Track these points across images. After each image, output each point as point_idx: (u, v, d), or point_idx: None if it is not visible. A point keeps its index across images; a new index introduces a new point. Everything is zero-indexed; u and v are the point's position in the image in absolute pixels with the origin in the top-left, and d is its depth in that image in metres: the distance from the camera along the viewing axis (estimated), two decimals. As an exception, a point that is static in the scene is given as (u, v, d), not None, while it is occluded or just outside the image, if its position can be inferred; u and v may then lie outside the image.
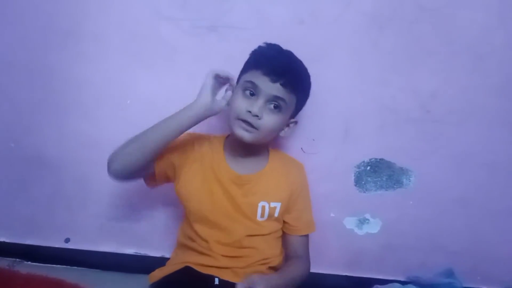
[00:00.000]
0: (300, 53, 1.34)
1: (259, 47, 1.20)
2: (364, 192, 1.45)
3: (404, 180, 1.43)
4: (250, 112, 1.12)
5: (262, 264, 1.23)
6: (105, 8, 1.38)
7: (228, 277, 1.18)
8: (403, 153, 1.41)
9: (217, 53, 1.35)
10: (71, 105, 1.46)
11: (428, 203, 1.44)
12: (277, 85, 1.12)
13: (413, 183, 1.43)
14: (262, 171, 1.26)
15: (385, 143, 1.41)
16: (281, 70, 1.13)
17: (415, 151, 1.40)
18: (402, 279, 1.49)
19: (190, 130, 1.20)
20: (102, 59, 1.41)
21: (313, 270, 1.49)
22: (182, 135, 1.21)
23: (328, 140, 1.42)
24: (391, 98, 1.36)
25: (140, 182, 1.45)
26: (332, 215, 1.47)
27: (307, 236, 1.34)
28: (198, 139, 1.30)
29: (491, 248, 1.45)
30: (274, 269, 1.27)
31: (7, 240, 1.61)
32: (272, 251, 1.27)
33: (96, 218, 1.56)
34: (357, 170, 1.44)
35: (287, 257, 1.31)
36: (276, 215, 1.25)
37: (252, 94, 1.15)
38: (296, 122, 1.27)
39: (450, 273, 1.42)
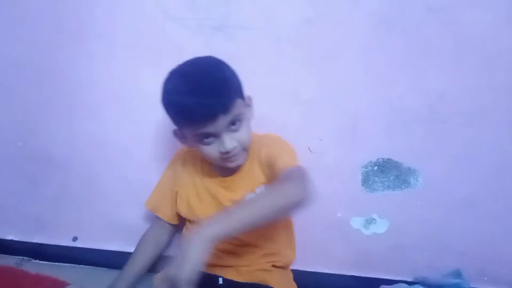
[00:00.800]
0: (307, 53, 1.35)
1: (170, 97, 1.11)
2: (371, 192, 1.44)
3: (412, 180, 1.42)
4: (226, 151, 1.10)
5: (266, 262, 1.23)
6: (112, 8, 1.38)
7: (232, 276, 1.18)
8: (410, 153, 1.40)
9: (224, 53, 1.34)
10: (78, 104, 1.47)
11: (436, 203, 1.43)
12: (220, 118, 1.06)
13: (420, 183, 1.42)
14: (243, 165, 1.24)
15: (392, 143, 1.40)
16: (211, 108, 1.04)
17: (422, 151, 1.40)
18: (409, 279, 1.48)
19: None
20: (109, 59, 1.42)
21: (319, 269, 1.51)
22: (165, 172, 1.39)
23: (335, 140, 1.41)
24: (398, 98, 1.35)
25: (148, 182, 1.46)
26: (339, 215, 1.46)
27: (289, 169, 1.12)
28: (179, 162, 1.36)
29: (499, 249, 1.44)
30: (282, 268, 1.27)
31: (15, 238, 1.63)
32: (276, 246, 1.26)
33: (103, 217, 1.57)
34: (364, 170, 1.43)
35: None
36: None
37: (208, 137, 1.10)
38: (250, 99, 1.22)
39: (457, 274, 1.41)
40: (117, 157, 1.50)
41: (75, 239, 1.60)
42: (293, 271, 1.37)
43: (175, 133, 1.21)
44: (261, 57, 1.35)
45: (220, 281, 1.17)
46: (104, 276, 1.49)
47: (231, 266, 1.20)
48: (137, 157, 1.49)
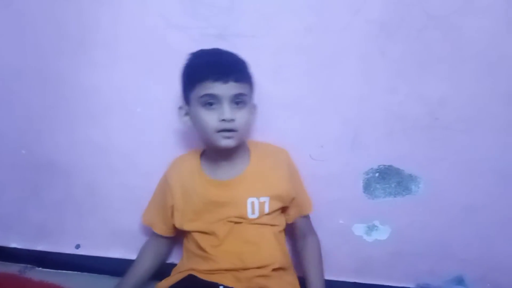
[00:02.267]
0: (308, 61, 1.36)
1: (191, 59, 1.24)
2: (373, 199, 1.45)
3: (413, 187, 1.43)
4: (224, 120, 1.14)
5: (263, 267, 1.23)
6: (115, 17, 1.40)
7: (230, 283, 1.18)
8: (411, 160, 1.41)
9: (187, 59, 1.35)
10: (81, 112, 1.48)
11: (438, 210, 1.43)
12: (230, 83, 1.14)
13: (422, 190, 1.42)
14: (246, 169, 1.27)
15: (393, 150, 1.41)
16: (226, 69, 1.16)
17: (424, 158, 1.40)
18: (411, 286, 1.48)
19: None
20: (112, 67, 1.43)
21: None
22: (158, 186, 1.39)
23: (336, 147, 1.41)
24: (399, 105, 1.36)
25: (150, 190, 1.47)
26: (340, 222, 1.47)
27: (307, 216, 1.40)
28: (171, 174, 1.35)
29: (501, 256, 1.44)
30: (281, 269, 1.27)
31: (19, 246, 1.63)
32: (272, 252, 1.26)
33: (106, 224, 1.58)
34: (366, 176, 1.44)
35: (297, 239, 1.38)
36: (266, 210, 1.25)
37: (211, 104, 1.16)
38: (255, 106, 1.30)
39: (459, 281, 1.41)
40: (120, 164, 1.51)
41: (78, 246, 1.60)
42: (295, 278, 1.37)
43: (180, 109, 1.28)
44: (263, 65, 1.35)
45: None
46: (107, 283, 1.50)
47: (229, 271, 1.21)
48: (140, 165, 1.50)
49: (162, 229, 1.40)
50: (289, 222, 1.36)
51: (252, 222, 1.25)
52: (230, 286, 1.18)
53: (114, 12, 1.40)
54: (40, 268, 1.60)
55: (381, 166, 1.42)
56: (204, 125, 1.17)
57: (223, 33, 1.36)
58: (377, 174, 1.43)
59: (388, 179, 1.43)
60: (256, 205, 1.25)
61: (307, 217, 1.39)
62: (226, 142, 1.18)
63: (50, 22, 1.44)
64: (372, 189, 1.44)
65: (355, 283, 1.52)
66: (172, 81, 1.40)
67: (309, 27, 1.34)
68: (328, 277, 1.50)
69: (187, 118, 1.26)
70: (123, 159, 1.50)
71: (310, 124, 1.40)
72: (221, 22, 1.36)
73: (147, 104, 1.45)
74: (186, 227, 1.29)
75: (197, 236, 1.27)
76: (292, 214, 1.35)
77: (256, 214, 1.25)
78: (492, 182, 1.39)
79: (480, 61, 1.31)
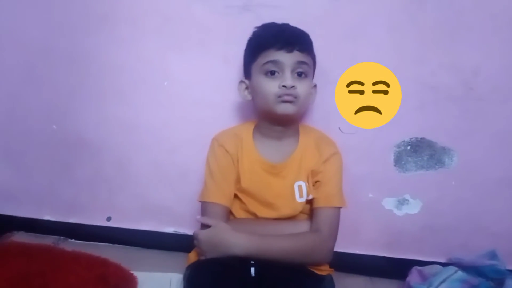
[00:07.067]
0: (335, 31, 1.33)
1: (256, 31, 1.24)
2: (404, 172, 1.42)
3: (446, 159, 1.39)
4: (285, 86, 1.14)
5: None
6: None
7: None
8: (445, 132, 1.38)
9: (251, 33, 1.33)
10: (108, 88, 1.50)
11: (471, 183, 1.40)
12: (295, 52, 1.15)
13: (455, 162, 1.39)
14: (294, 154, 1.26)
15: (426, 122, 1.38)
16: (291, 38, 1.17)
17: (457, 130, 1.37)
18: (442, 260, 1.46)
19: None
20: (137, 43, 1.42)
21: (351, 250, 1.51)
22: (222, 156, 1.27)
23: (366, 120, 1.39)
24: (431, 76, 1.32)
25: (178, 164, 1.47)
26: (370, 195, 1.45)
27: (327, 209, 1.23)
28: (229, 144, 1.28)
29: (536, 230, 1.41)
30: None
31: (52, 219, 1.68)
32: None
33: (136, 198, 1.60)
34: (397, 149, 1.41)
35: None
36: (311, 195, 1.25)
37: (273, 73, 1.16)
38: (315, 86, 1.28)
39: (493, 255, 1.38)
40: (148, 140, 1.52)
41: (109, 219, 1.63)
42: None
43: (240, 83, 1.27)
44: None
45: (252, 273, 1.15)
46: (138, 255, 1.53)
47: None
48: (167, 140, 1.51)
49: (227, 201, 1.28)
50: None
51: (300, 205, 1.25)
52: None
53: (138, -14, 1.39)
54: (72, 240, 1.64)
55: (413, 139, 1.39)
56: (265, 92, 1.17)
57: (248, 4, 1.33)
58: (408, 147, 1.40)
59: (420, 152, 1.40)
60: (303, 188, 1.24)
61: (325, 210, 1.23)
62: (285, 107, 1.16)
63: (76, 0, 1.44)
64: (403, 162, 1.41)
65: (385, 257, 1.51)
66: (197, 54, 1.40)
67: (336, -4, 1.30)
68: (358, 251, 1.51)
69: (247, 92, 1.26)
70: (151, 135, 1.51)
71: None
72: (246, -7, 1.33)
73: (173, 78, 1.44)
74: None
75: (247, 201, 1.27)
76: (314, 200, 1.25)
77: (304, 198, 1.24)
78: (527, 154, 1.35)
79: (516, 28, 1.26)
